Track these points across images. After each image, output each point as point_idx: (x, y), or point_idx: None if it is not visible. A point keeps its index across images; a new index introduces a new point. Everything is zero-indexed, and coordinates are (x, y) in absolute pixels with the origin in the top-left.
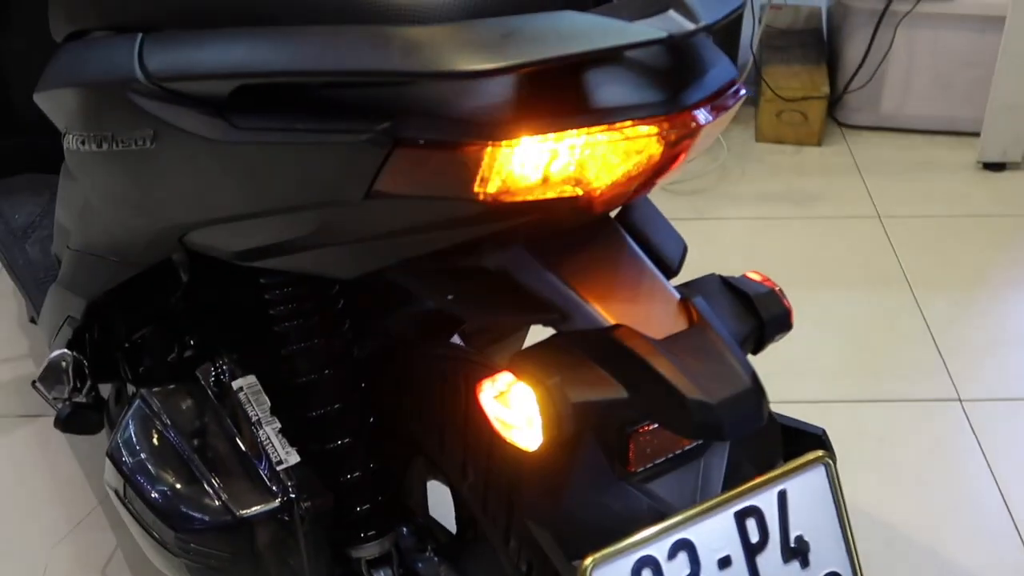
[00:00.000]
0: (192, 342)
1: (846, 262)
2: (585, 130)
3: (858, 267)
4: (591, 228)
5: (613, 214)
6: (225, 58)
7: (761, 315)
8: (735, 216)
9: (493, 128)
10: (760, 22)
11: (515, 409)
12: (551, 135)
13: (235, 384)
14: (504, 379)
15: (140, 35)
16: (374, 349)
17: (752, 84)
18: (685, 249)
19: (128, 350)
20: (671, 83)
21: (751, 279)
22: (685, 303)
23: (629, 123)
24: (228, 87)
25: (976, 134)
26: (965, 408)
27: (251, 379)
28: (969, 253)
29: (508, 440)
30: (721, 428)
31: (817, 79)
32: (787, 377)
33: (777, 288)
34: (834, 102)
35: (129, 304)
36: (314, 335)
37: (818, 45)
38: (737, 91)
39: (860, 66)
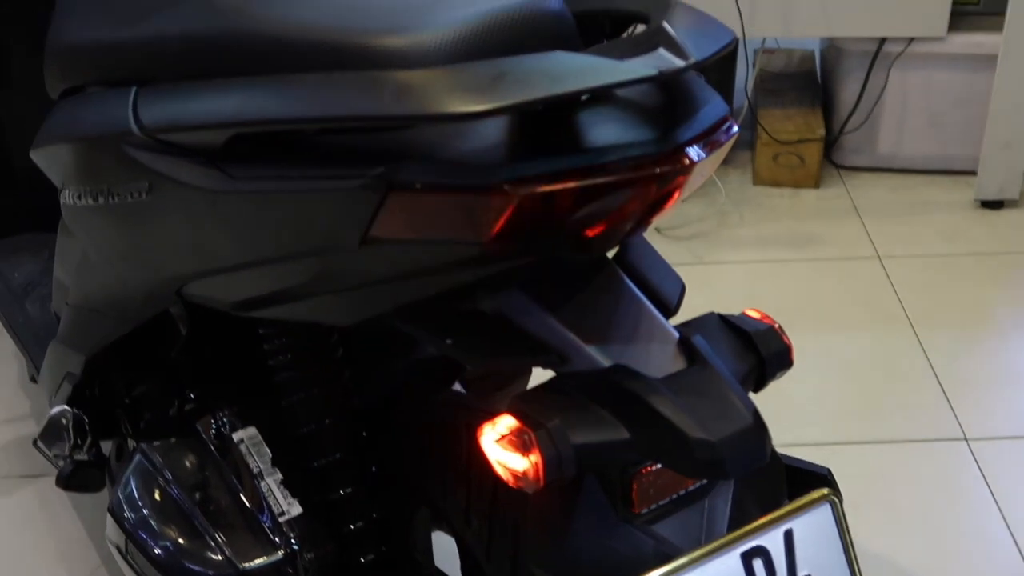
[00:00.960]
0: (192, 395)
1: (847, 303)
2: (579, 169)
3: (859, 308)
4: (588, 269)
5: (610, 255)
6: (219, 108)
7: (761, 352)
8: (734, 260)
9: (486, 171)
10: (754, 66)
11: (516, 452)
12: (544, 176)
13: (236, 436)
14: (504, 422)
15: (134, 88)
16: (375, 398)
17: (748, 128)
18: (683, 288)
19: (128, 405)
20: (663, 121)
21: (750, 317)
22: (685, 342)
23: (622, 162)
24: (222, 137)
25: (972, 173)
26: (971, 447)
27: (252, 431)
28: (970, 292)
29: (510, 484)
30: (724, 466)
31: (812, 122)
32: (791, 420)
33: (776, 325)
34: (830, 144)
35: (128, 359)
36: (314, 385)
37: (812, 88)
38: (729, 128)
39: (855, 108)
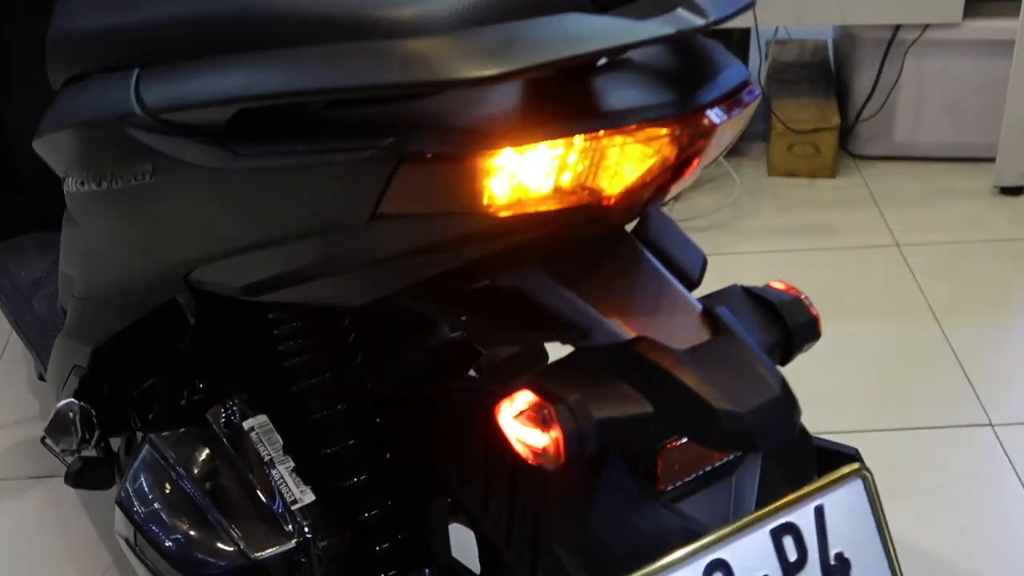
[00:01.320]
0: (201, 385)
1: (867, 292)
2: (596, 133)
3: (880, 296)
4: (607, 242)
5: (629, 228)
6: (223, 84)
7: (788, 323)
8: (752, 251)
9: (500, 137)
10: (766, 57)
11: (536, 428)
12: (561, 140)
13: (246, 424)
14: (523, 398)
15: (137, 70)
16: (388, 384)
17: (762, 119)
18: (705, 261)
19: (137, 399)
20: (683, 84)
21: (775, 288)
22: (708, 313)
23: (641, 125)
24: (227, 113)
25: (991, 159)
26: (997, 432)
27: (262, 418)
28: (991, 278)
29: (530, 461)
30: (752, 438)
31: (827, 111)
32: (814, 409)
33: (803, 296)
34: (846, 133)
35: (136, 352)
36: (325, 370)
37: (826, 77)
38: (751, 91)
39: (870, 96)
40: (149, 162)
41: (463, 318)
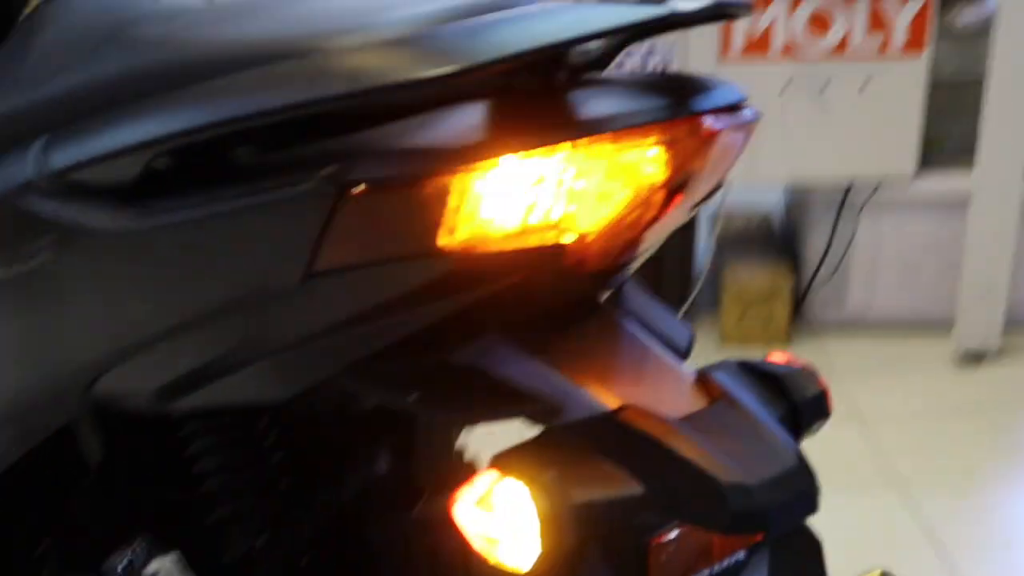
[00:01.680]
0: (104, 530)
1: (830, 467)
2: (575, 141)
3: (843, 472)
4: (579, 309)
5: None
6: (138, 128)
7: (794, 397)
8: None
9: (461, 154)
10: (714, 227)
11: (501, 514)
12: (532, 152)
13: (150, 568)
14: (487, 479)
15: (43, 137)
16: (321, 519)
17: (711, 287)
18: (693, 335)
19: (27, 562)
20: (674, 92)
21: (775, 361)
22: (703, 380)
23: (626, 130)
24: (140, 162)
25: (949, 325)
26: None
27: (172, 557)
28: (959, 450)
29: (492, 563)
30: (765, 517)
31: (779, 278)
32: None
33: (809, 366)
34: (800, 300)
35: (26, 502)
36: (245, 496)
37: (776, 244)
38: (750, 110)
39: (822, 260)
40: (49, 235)
41: (412, 397)
